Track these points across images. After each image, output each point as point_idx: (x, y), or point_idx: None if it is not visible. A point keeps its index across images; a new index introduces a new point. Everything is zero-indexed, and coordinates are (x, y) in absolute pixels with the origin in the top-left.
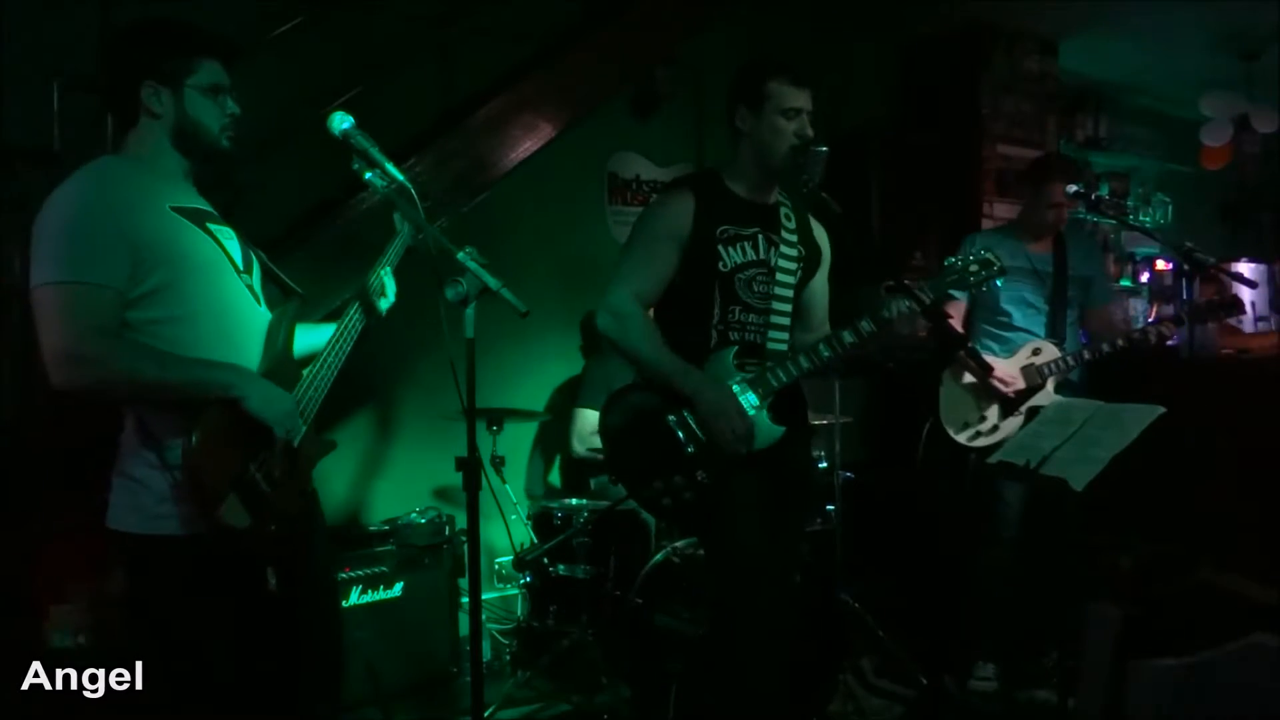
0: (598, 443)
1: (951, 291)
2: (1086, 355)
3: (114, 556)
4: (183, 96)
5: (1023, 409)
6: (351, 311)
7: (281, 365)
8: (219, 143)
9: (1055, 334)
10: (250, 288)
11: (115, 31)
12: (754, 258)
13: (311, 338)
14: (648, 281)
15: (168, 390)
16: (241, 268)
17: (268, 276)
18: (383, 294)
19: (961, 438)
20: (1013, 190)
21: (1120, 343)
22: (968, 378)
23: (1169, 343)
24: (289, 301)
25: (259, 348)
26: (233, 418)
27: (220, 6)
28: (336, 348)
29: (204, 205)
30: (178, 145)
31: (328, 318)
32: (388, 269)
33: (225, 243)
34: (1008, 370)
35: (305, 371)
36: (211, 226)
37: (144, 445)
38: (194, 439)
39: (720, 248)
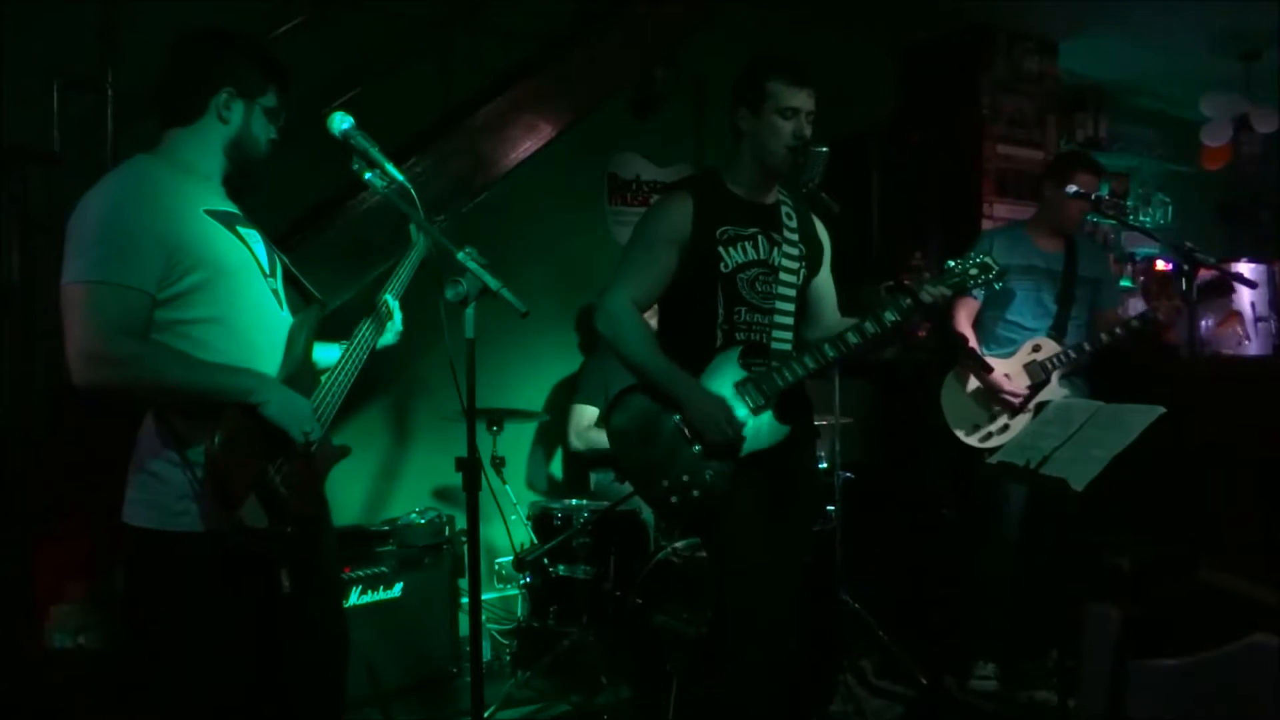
0: (594, 437)
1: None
2: (1088, 347)
3: (128, 553)
4: (254, 112)
5: (1031, 405)
6: (364, 327)
7: (301, 370)
8: (261, 164)
9: (1058, 330)
10: (275, 291)
11: (195, 30)
12: (755, 257)
13: (320, 356)
14: (645, 285)
15: (190, 395)
16: (267, 271)
17: (289, 280)
18: (389, 318)
19: (973, 440)
20: (1025, 190)
21: (1118, 330)
22: (974, 382)
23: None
24: (310, 307)
25: (280, 352)
26: (253, 421)
27: (221, 6)
28: (352, 357)
29: (233, 208)
30: (230, 154)
31: (332, 338)
32: (390, 295)
33: (253, 246)
34: (1009, 369)
35: (324, 378)
36: (241, 229)
37: (164, 442)
38: (217, 440)
39: (720, 249)
